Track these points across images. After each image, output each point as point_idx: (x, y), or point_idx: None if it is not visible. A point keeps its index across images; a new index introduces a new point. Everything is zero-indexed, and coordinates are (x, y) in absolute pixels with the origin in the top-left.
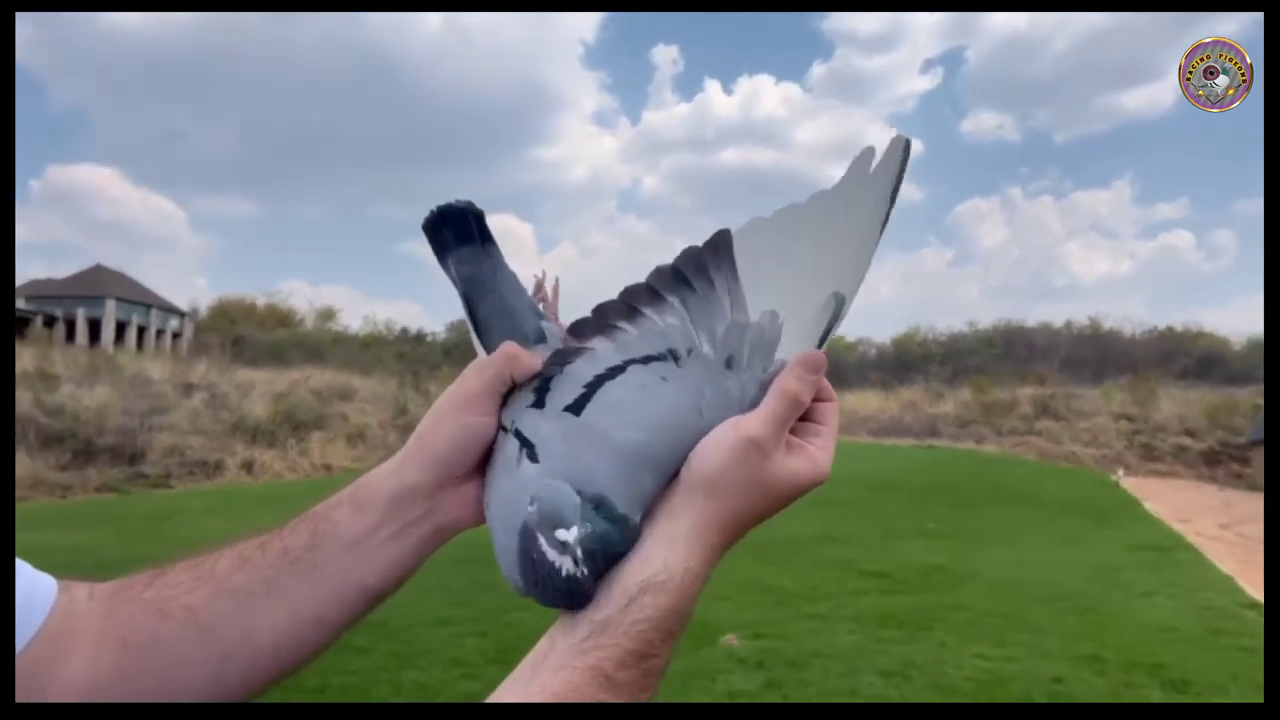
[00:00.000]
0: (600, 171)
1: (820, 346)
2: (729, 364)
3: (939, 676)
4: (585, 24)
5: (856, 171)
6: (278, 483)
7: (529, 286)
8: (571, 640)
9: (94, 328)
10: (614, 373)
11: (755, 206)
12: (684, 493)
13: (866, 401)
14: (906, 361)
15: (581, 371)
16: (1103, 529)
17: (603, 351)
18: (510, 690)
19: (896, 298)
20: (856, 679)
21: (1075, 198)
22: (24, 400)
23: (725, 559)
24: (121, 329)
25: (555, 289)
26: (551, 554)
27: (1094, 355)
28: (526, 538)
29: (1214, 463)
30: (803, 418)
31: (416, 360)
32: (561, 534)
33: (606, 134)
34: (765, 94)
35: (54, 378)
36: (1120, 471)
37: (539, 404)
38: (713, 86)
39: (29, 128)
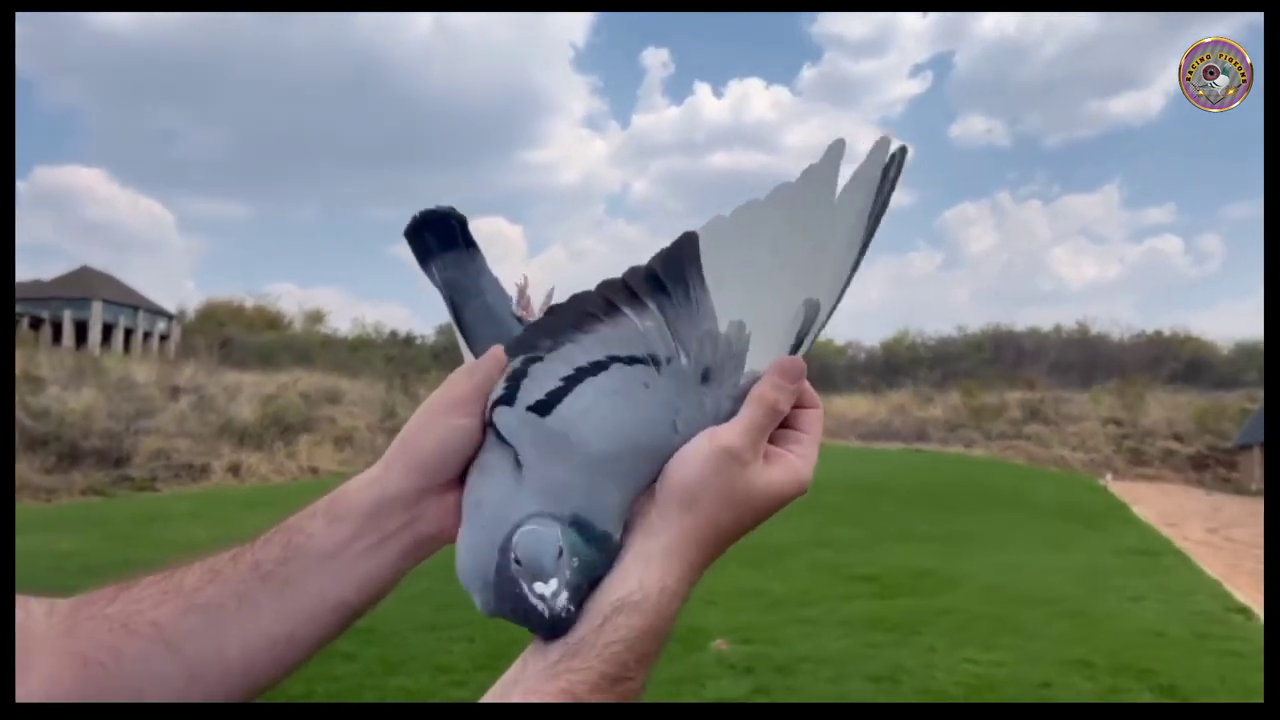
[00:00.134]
0: (590, 175)
1: (796, 354)
2: (705, 377)
3: (928, 681)
4: (575, 27)
5: (825, 168)
6: (265, 486)
7: (514, 292)
8: (543, 663)
9: (80, 330)
10: (595, 368)
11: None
12: (660, 507)
13: (855, 405)
14: (895, 365)
15: (558, 365)
16: (1091, 533)
17: (583, 344)
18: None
19: (885, 301)
20: (846, 684)
21: (1064, 202)
22: None
23: (714, 563)
24: (108, 331)
25: (549, 296)
26: (533, 599)
27: (1082, 359)
28: (504, 577)
29: (1201, 467)
30: (783, 425)
31: (405, 363)
32: (540, 588)
33: (597, 137)
34: (755, 97)
35: (39, 380)
36: (1108, 475)
37: (509, 399)
38: (703, 90)
39: (16, 128)
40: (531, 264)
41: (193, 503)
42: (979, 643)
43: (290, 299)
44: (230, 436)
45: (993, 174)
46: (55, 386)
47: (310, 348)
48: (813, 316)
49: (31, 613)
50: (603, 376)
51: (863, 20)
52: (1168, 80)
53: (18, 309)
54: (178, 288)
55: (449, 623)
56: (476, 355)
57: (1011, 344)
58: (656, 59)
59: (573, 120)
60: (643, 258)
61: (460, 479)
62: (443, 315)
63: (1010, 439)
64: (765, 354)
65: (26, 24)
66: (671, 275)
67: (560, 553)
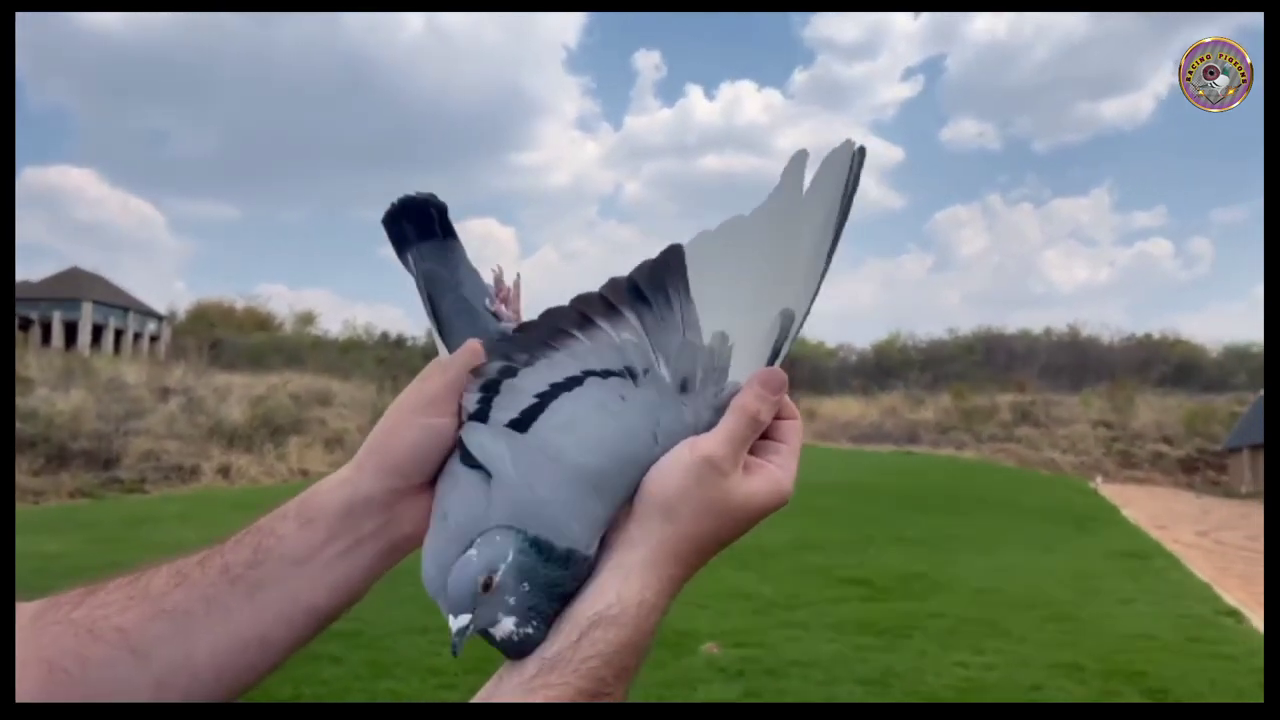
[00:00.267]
0: (582, 176)
1: (773, 364)
2: (683, 387)
3: (919, 685)
4: (567, 28)
5: (790, 178)
6: (254, 488)
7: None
8: (519, 678)
9: (70, 331)
10: (571, 384)
11: (736, 212)
12: (639, 518)
13: (846, 407)
14: (887, 367)
15: (531, 381)
16: (1081, 536)
17: (556, 359)
18: None
19: (877, 304)
20: (836, 687)
21: (1054, 205)
22: None
23: (704, 567)
24: (98, 332)
25: (516, 285)
26: (452, 631)
27: (1073, 362)
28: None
29: (1191, 470)
30: (762, 436)
31: (396, 365)
32: (453, 621)
33: (588, 139)
34: (747, 100)
35: (28, 381)
36: (1099, 478)
37: (482, 415)
38: (695, 92)
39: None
40: (523, 265)
41: (182, 505)
42: (969, 646)
43: (281, 300)
44: (220, 438)
45: (983, 177)
46: (44, 388)
47: (301, 349)
48: (788, 327)
49: None
50: (578, 391)
51: (854, 24)
52: (1158, 83)
53: None
54: (168, 289)
55: (438, 625)
56: (451, 350)
57: (1002, 347)
58: (648, 61)
59: (565, 122)
60: (635, 259)
61: (435, 480)
62: None
63: (1001, 441)
64: (745, 365)
65: (16, 23)
66: (654, 286)
67: (489, 583)
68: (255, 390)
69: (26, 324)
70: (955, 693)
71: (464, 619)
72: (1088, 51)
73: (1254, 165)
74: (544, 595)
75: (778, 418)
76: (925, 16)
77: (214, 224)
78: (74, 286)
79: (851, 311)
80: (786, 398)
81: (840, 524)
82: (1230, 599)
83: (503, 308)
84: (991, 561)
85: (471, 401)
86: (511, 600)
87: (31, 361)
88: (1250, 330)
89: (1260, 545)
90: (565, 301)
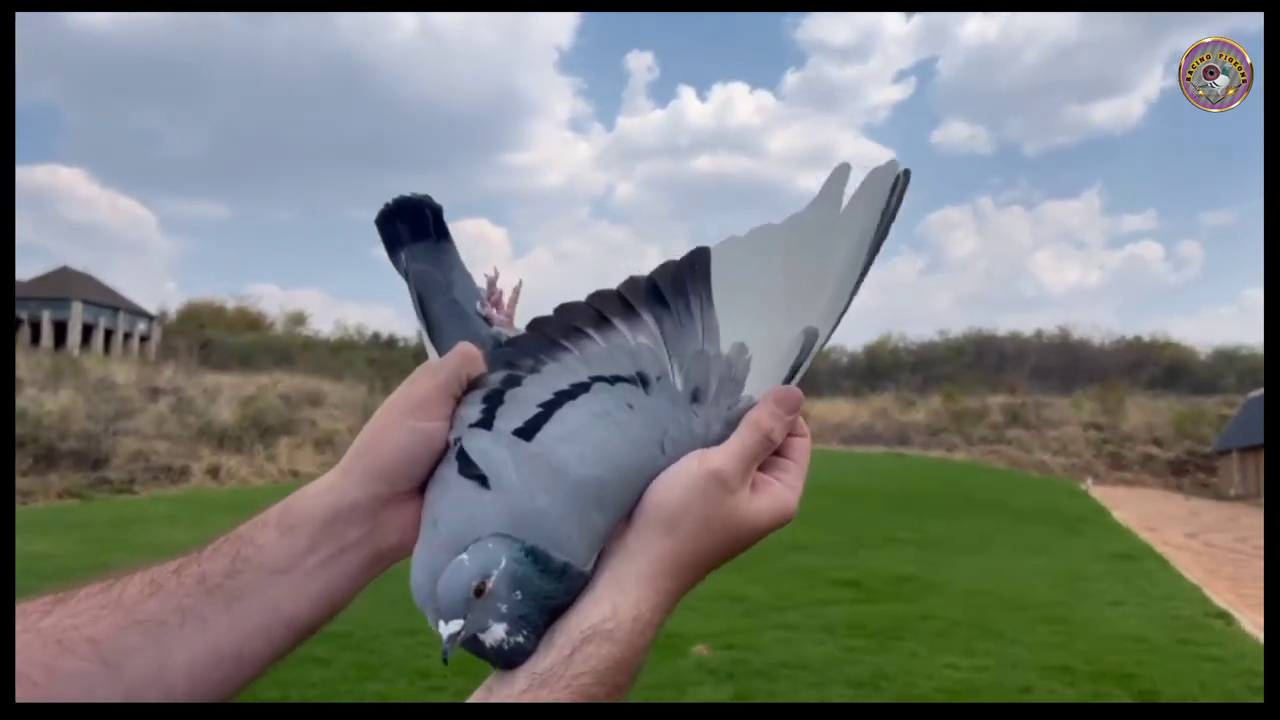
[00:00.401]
0: (574, 177)
1: (790, 383)
2: (695, 397)
3: (909, 686)
4: (560, 30)
5: (830, 192)
6: (244, 488)
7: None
8: (508, 693)
9: (59, 330)
10: (576, 391)
11: (729, 214)
12: (639, 529)
13: (837, 409)
14: (878, 369)
15: (536, 390)
16: (1072, 538)
17: (565, 363)
18: None
19: (867, 305)
20: (827, 689)
21: (1045, 208)
22: None
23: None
24: (88, 332)
25: (516, 292)
26: (444, 637)
27: (1063, 364)
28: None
29: (1180, 472)
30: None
31: (387, 365)
32: (444, 627)
33: (581, 140)
34: (739, 102)
35: (17, 381)
36: (1089, 480)
37: (486, 423)
38: (687, 93)
39: None
40: (516, 266)
41: (171, 505)
42: (960, 648)
43: (272, 300)
44: (210, 438)
45: (975, 179)
46: (32, 387)
47: (291, 349)
48: (810, 345)
49: None
50: (584, 398)
51: (847, 26)
52: (1148, 87)
53: None
54: (158, 288)
55: (427, 628)
56: (441, 353)
57: (993, 349)
58: (641, 62)
59: (557, 122)
60: (627, 260)
61: (424, 487)
62: None
63: (991, 443)
64: (761, 380)
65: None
66: (676, 290)
67: (482, 588)
68: (245, 390)
69: (16, 323)
70: (946, 694)
71: (455, 624)
72: (1078, 55)
73: (1243, 168)
74: (536, 606)
75: (788, 435)
76: (917, 19)
77: (205, 224)
78: (64, 286)
79: None
80: (800, 416)
81: (831, 526)
82: (1220, 601)
83: (494, 312)
84: (982, 563)
85: (474, 411)
86: (503, 607)
87: (20, 361)
88: (1239, 333)
89: (1249, 547)
90: (558, 304)
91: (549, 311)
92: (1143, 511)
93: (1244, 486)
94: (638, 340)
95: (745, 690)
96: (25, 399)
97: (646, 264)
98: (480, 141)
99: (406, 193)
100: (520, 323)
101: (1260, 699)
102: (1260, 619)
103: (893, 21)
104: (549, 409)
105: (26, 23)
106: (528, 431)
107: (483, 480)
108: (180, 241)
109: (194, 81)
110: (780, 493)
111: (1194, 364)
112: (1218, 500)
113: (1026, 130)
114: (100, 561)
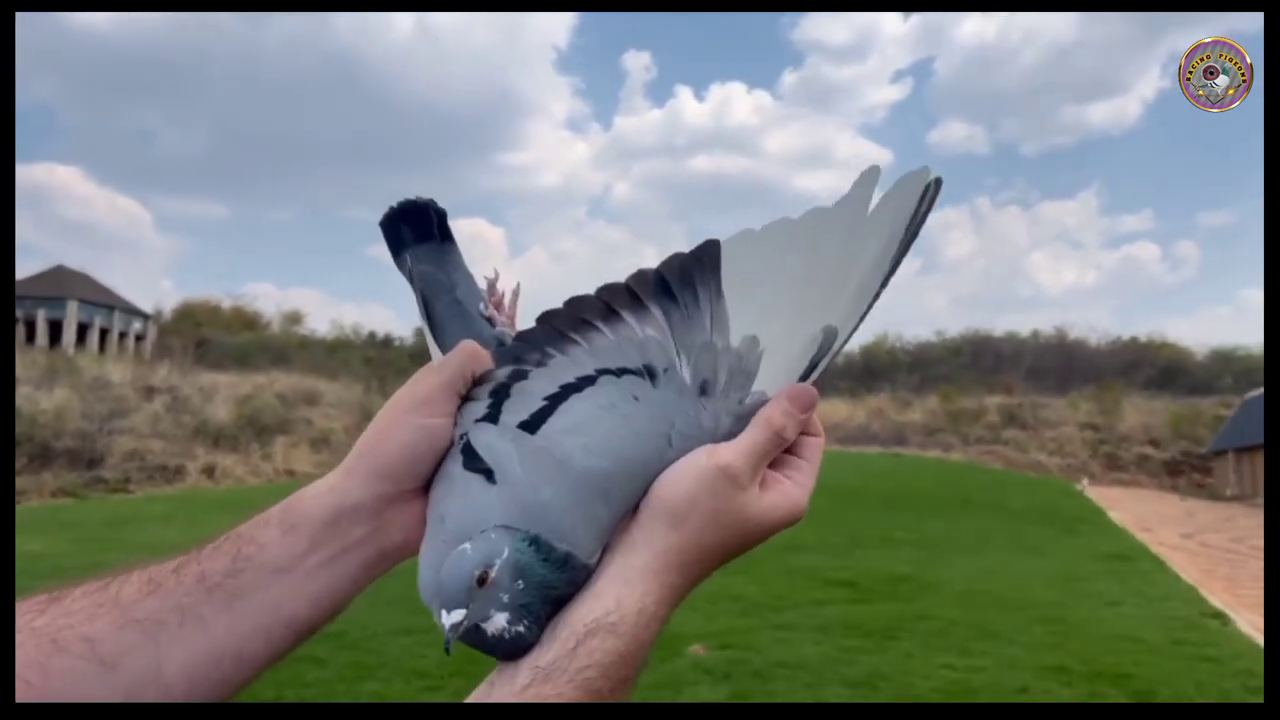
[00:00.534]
0: (571, 177)
1: (806, 380)
2: (703, 390)
3: (906, 687)
4: (557, 29)
5: (858, 192)
6: (240, 488)
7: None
8: (511, 688)
9: (55, 329)
10: (582, 383)
11: (726, 213)
12: (645, 523)
13: (834, 409)
14: (874, 369)
15: (542, 383)
16: (1068, 538)
17: (573, 356)
18: None
19: None
20: (823, 689)
21: (1042, 208)
22: None
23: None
24: (83, 331)
25: (516, 294)
26: (444, 626)
27: (1060, 365)
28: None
29: (1176, 472)
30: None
31: (384, 365)
32: (445, 616)
33: (578, 139)
34: (737, 101)
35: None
36: (1085, 480)
37: (492, 417)
38: (684, 93)
39: None
40: (513, 266)
41: (166, 505)
42: (957, 648)
43: (268, 299)
44: (205, 438)
45: (972, 179)
46: (28, 386)
47: (288, 349)
48: (829, 344)
49: None
50: (590, 391)
51: (844, 26)
52: (1145, 87)
53: None
54: (154, 287)
55: (424, 627)
56: (445, 352)
57: (989, 349)
58: (638, 62)
59: (554, 122)
60: (625, 260)
61: (428, 486)
62: None
63: (988, 444)
64: (775, 376)
65: None
66: (684, 282)
67: (485, 577)
68: (241, 390)
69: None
70: (942, 694)
71: (458, 614)
72: (1075, 55)
73: (1241, 169)
74: (538, 595)
75: (801, 433)
76: (915, 19)
77: (201, 223)
78: (59, 285)
79: None
80: (814, 415)
81: (827, 526)
82: (1215, 601)
83: (495, 313)
84: (978, 563)
85: (480, 406)
86: (505, 597)
87: (16, 359)
88: (1236, 333)
89: (1245, 548)
90: (556, 303)
91: (549, 310)
92: (1139, 512)
93: (1240, 487)
94: (645, 332)
95: (742, 690)
96: (20, 397)
97: (643, 264)
98: (477, 141)
99: (409, 195)
100: (520, 323)
101: (1256, 699)
102: (1256, 619)
103: (890, 22)
104: (554, 402)
105: (23, 22)
106: (533, 425)
107: (489, 474)
108: (177, 240)
109: (191, 81)
110: (790, 491)
111: (1190, 365)
112: (1213, 501)
113: (1024, 130)
114: (95, 561)
